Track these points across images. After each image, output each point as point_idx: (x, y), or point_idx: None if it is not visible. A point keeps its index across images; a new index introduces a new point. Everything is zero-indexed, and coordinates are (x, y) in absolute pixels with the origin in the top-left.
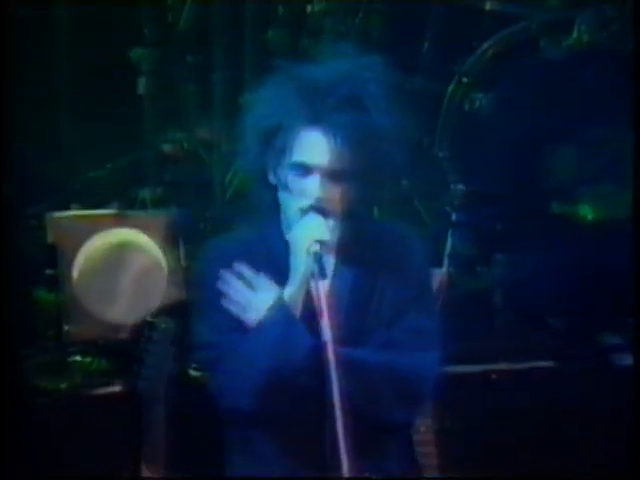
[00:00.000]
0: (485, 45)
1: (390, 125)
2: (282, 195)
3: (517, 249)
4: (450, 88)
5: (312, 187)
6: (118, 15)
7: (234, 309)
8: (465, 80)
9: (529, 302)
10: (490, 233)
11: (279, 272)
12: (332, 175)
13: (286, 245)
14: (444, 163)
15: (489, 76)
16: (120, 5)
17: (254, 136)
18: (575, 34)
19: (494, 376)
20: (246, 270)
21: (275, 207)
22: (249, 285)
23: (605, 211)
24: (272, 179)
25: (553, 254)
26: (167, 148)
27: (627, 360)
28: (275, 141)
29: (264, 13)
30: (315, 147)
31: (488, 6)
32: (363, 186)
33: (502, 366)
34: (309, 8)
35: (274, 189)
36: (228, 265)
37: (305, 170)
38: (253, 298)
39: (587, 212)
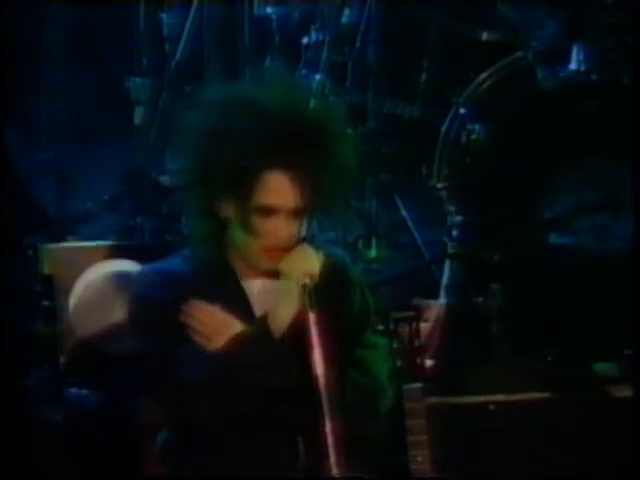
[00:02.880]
0: (482, 75)
1: (349, 164)
2: (236, 231)
3: (514, 279)
4: (447, 118)
5: (275, 227)
6: (116, 46)
7: (199, 340)
8: (462, 111)
9: (525, 332)
10: (487, 264)
11: (226, 297)
12: (294, 214)
13: (228, 272)
14: (442, 194)
15: (486, 107)
16: (118, 35)
17: (210, 174)
18: (573, 64)
19: (492, 407)
20: (195, 300)
21: (219, 237)
22: (201, 313)
23: (603, 242)
24: (224, 213)
25: (550, 284)
26: (164, 179)
27: (625, 392)
28: (236, 182)
29: (261, 43)
30: (280, 189)
31: (485, 36)
32: (325, 219)
33: (499, 397)
34: (306, 39)
35: (222, 221)
36: (173, 287)
37: (269, 211)
38: (206, 327)
39: (584, 243)
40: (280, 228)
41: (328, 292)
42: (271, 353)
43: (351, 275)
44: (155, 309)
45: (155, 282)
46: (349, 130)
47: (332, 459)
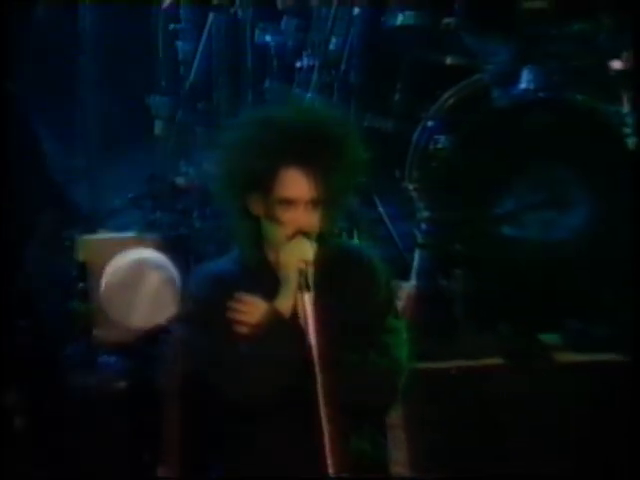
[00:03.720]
0: (446, 94)
1: (356, 160)
2: (266, 224)
3: (473, 266)
4: (417, 131)
5: (295, 216)
6: (139, 69)
7: (235, 325)
8: (430, 124)
9: (483, 310)
10: (450, 252)
11: (267, 287)
12: (312, 205)
13: (267, 265)
14: (413, 193)
15: (450, 121)
16: (141, 60)
17: (240, 177)
18: (523, 84)
19: (453, 372)
20: (241, 294)
21: (257, 234)
22: (245, 305)
23: (547, 233)
24: (256, 210)
25: (503, 269)
26: (179, 181)
27: (567, 358)
28: (261, 180)
29: (261, 67)
30: (297, 183)
31: (448, 61)
32: (337, 211)
33: (460, 363)
34: (299, 63)
35: (256, 219)
36: (222, 288)
37: (289, 203)
38: (251, 316)
39: (531, 234)
40: (300, 217)
41: (332, 277)
42: (282, 334)
43: (372, 264)
44: (207, 308)
45: (207, 283)
46: (355, 133)
47: (325, 438)
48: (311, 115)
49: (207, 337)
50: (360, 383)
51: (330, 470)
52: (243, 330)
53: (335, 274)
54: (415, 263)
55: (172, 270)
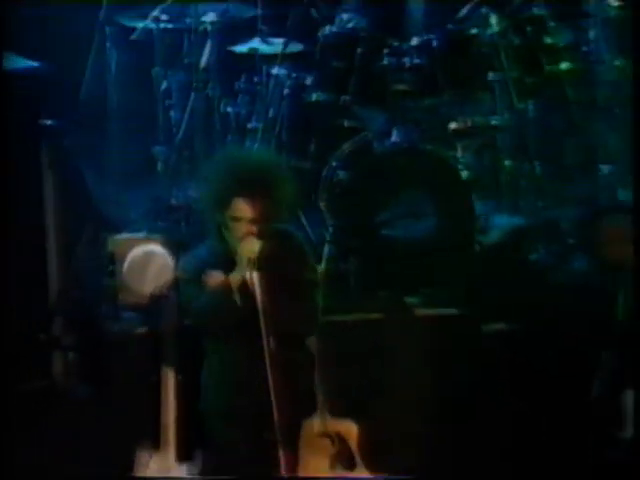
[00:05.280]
0: (345, 145)
1: (285, 189)
2: (227, 230)
3: (362, 255)
4: (325, 168)
5: (243, 227)
6: (147, 127)
7: (206, 288)
8: (334, 164)
9: (368, 282)
10: (347, 246)
11: (227, 267)
12: (255, 219)
13: (228, 253)
14: (323, 209)
15: (346, 162)
16: (148, 122)
17: (211, 201)
18: (393, 138)
19: (349, 323)
20: (210, 271)
21: (222, 235)
22: (212, 277)
23: (414, 234)
24: (218, 219)
25: (381, 256)
26: (174, 201)
27: (425, 312)
28: (222, 204)
29: (225, 128)
30: (242, 207)
31: (346, 124)
32: (275, 221)
33: (354, 317)
34: (249, 125)
35: (222, 226)
36: (201, 266)
37: (238, 220)
38: (216, 280)
39: (401, 233)
40: (246, 227)
41: (273, 261)
42: (232, 292)
43: (299, 241)
44: (191, 277)
45: (192, 263)
46: (284, 171)
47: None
48: (255, 161)
49: (190, 293)
50: (289, 318)
51: (269, 374)
52: (210, 290)
53: (273, 257)
54: (324, 253)
55: (169, 257)
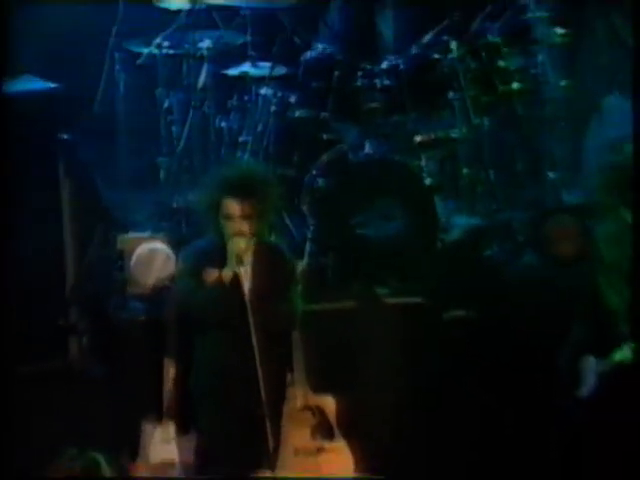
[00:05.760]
0: (324, 156)
1: (271, 194)
2: (221, 228)
3: (338, 250)
4: (307, 175)
5: (233, 225)
6: (154, 141)
7: (202, 281)
8: (314, 172)
9: (344, 275)
10: (326, 243)
11: (222, 262)
12: (243, 219)
13: (223, 249)
14: (305, 211)
15: (325, 170)
16: (153, 136)
17: (207, 203)
18: (366, 149)
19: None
20: (206, 264)
21: (218, 232)
22: (207, 272)
23: (383, 231)
24: (213, 220)
25: (356, 252)
26: (175, 204)
27: (394, 300)
28: (216, 205)
29: (219, 141)
30: (233, 207)
31: (325, 137)
32: (262, 223)
33: (332, 305)
34: (240, 139)
35: (216, 225)
36: (198, 260)
37: (229, 218)
38: (210, 275)
39: (371, 232)
40: (236, 226)
41: (258, 260)
42: (224, 286)
43: (283, 253)
44: (190, 270)
45: (191, 256)
46: (271, 178)
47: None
48: (245, 169)
49: (188, 285)
50: (273, 315)
51: (257, 363)
52: (206, 283)
53: (260, 259)
54: (306, 249)
55: (171, 254)
